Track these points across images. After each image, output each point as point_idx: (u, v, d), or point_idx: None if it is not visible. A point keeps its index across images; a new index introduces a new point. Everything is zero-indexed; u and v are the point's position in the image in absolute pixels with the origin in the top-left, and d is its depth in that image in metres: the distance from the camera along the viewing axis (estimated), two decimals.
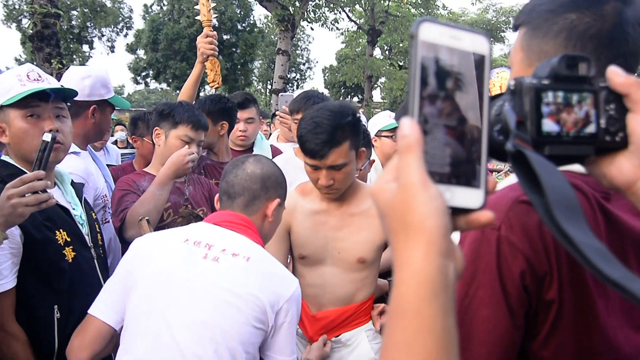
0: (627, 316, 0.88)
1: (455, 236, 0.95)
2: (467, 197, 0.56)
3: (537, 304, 0.83)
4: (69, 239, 1.75)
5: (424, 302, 0.50)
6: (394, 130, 3.31)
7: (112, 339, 1.51)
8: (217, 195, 1.71)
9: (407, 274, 0.52)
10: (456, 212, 0.56)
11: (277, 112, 3.82)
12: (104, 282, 1.61)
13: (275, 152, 3.31)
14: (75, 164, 2.29)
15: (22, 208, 1.45)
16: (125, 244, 2.08)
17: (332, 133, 1.82)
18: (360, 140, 1.99)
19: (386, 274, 2.22)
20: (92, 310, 1.51)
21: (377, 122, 3.56)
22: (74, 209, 1.88)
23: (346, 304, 2.03)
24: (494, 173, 5.49)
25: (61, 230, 1.74)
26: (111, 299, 1.51)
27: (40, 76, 1.79)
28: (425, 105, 0.54)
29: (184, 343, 1.37)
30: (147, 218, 1.98)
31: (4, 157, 1.81)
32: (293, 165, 2.55)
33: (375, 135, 3.38)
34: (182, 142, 2.28)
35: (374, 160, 2.14)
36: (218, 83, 2.63)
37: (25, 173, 1.75)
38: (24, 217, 1.48)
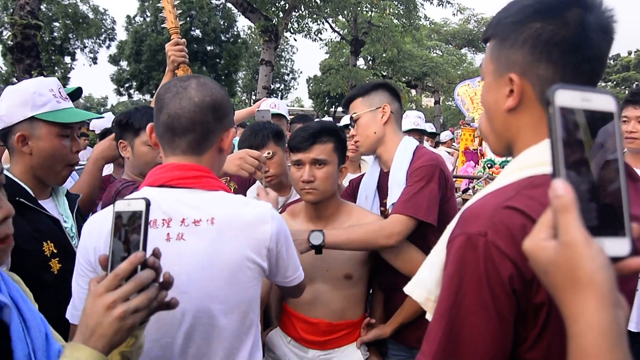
0: None
1: (442, 244, 0.95)
2: (615, 246, 0.62)
3: (526, 308, 0.82)
4: (55, 251, 1.74)
5: (605, 353, 0.56)
6: None
7: None
8: (151, 127, 1.42)
9: (583, 327, 0.58)
10: None
11: None
12: None
13: None
14: None
15: (131, 319, 0.97)
16: None
17: (319, 131, 2.03)
18: (344, 154, 2.11)
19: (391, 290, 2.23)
20: (71, 319, 1.38)
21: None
22: (65, 221, 1.88)
23: (339, 317, 2.09)
24: (474, 180, 5.53)
25: (48, 241, 1.73)
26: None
27: (65, 95, 1.87)
28: (570, 165, 0.61)
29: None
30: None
31: None
32: None
33: None
34: (149, 147, 2.18)
35: (347, 169, 2.21)
36: None
37: (26, 190, 1.74)
38: (133, 330, 1.01)
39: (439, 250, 0.96)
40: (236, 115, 3.37)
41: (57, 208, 1.89)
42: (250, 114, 3.72)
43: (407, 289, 1.04)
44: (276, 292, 2.29)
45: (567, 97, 0.62)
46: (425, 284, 1.00)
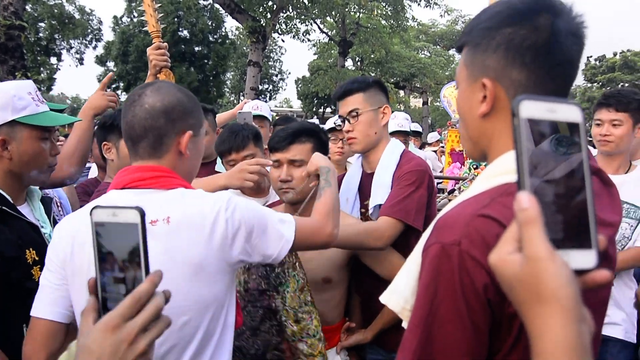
0: None
1: (418, 251, 0.95)
2: (581, 258, 0.60)
3: (500, 318, 0.82)
4: (37, 258, 1.71)
5: None
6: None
7: (69, 333, 1.39)
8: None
9: (548, 343, 0.57)
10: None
11: None
12: None
13: None
14: None
15: (150, 352, 0.80)
16: None
17: (298, 131, 2.03)
18: (325, 153, 2.07)
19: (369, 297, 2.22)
20: (34, 312, 1.38)
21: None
22: (42, 226, 1.85)
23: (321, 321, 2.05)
24: (459, 181, 5.55)
25: (30, 249, 1.71)
26: (53, 296, 1.37)
27: (42, 98, 1.86)
28: (533, 177, 0.60)
29: None
30: None
31: None
32: None
33: None
34: None
35: None
36: None
37: (5, 197, 1.72)
38: None
39: (415, 258, 0.95)
40: (218, 118, 3.34)
41: (33, 213, 1.86)
42: (232, 117, 3.70)
43: (383, 298, 1.03)
44: None
45: (533, 108, 0.60)
46: (401, 293, 0.99)
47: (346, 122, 2.19)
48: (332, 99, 2.30)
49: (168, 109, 1.37)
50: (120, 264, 0.80)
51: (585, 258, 0.60)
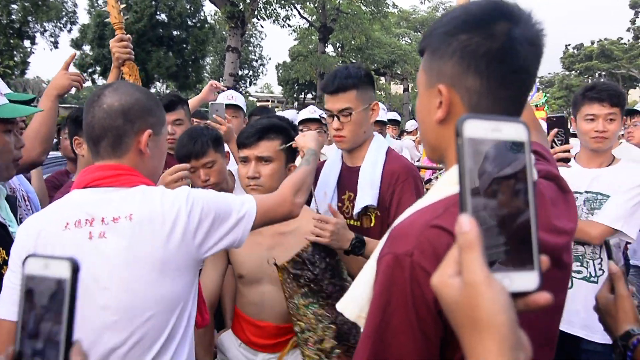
0: (535, 333, 0.88)
1: (373, 260, 0.94)
2: (523, 280, 0.59)
3: (451, 331, 0.82)
4: (7, 258, 1.67)
5: None
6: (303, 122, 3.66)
7: None
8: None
9: None
10: (514, 296, 0.59)
11: (207, 123, 3.24)
12: None
13: None
14: None
15: None
16: None
17: (266, 128, 2.02)
18: (293, 152, 2.07)
19: None
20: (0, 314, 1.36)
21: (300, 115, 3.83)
22: (9, 225, 1.80)
23: (287, 319, 2.02)
24: (437, 171, 5.59)
25: (0, 248, 1.68)
26: (15, 297, 1.33)
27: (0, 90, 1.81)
28: (476, 198, 0.58)
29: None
30: None
31: None
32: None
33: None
34: None
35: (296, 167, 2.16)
36: None
37: None
38: None
39: (371, 266, 0.94)
40: (189, 103, 3.25)
41: (0, 212, 1.82)
42: (202, 101, 3.56)
43: (340, 306, 1.03)
44: (230, 293, 2.25)
45: (477, 128, 0.59)
46: (357, 301, 0.98)
47: (335, 118, 2.11)
48: (323, 91, 2.20)
49: (126, 109, 1.39)
50: (43, 323, 0.68)
51: (527, 280, 0.60)
